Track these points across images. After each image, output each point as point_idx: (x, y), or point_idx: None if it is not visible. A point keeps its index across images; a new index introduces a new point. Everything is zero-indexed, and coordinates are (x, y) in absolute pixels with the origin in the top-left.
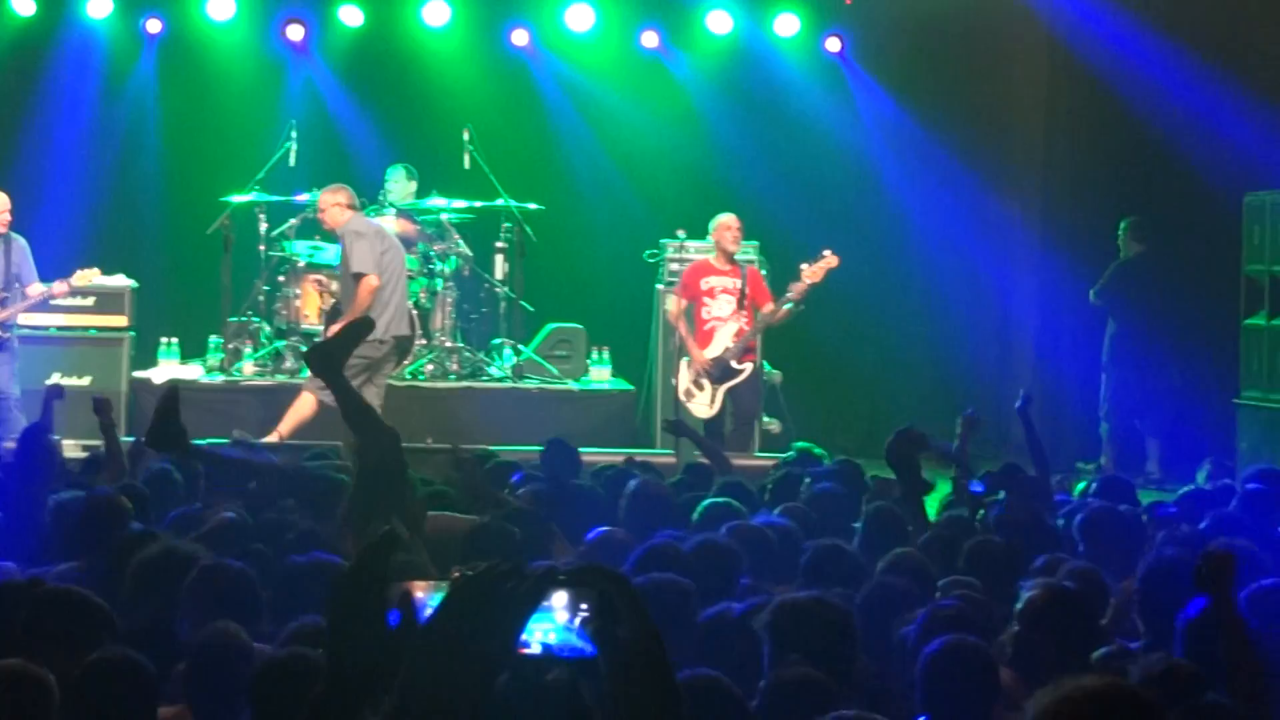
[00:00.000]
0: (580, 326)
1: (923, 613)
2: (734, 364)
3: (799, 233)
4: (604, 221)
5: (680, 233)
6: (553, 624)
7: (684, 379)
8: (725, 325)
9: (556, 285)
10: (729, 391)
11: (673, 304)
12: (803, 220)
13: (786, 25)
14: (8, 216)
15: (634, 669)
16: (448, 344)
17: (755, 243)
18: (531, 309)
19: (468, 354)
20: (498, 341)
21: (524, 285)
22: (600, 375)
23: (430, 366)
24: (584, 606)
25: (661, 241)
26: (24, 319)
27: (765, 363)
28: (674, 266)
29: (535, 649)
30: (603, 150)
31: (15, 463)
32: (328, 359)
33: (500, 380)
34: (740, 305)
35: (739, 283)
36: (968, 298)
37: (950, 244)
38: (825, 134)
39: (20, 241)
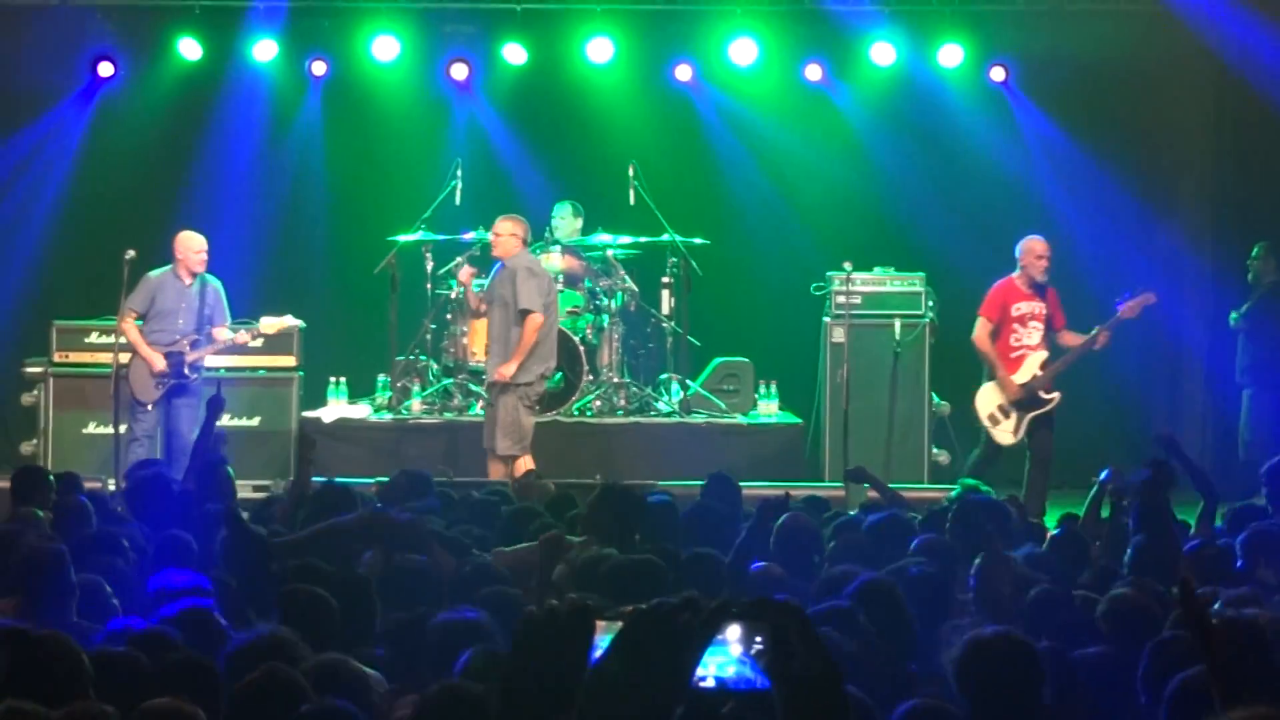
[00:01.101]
0: (747, 360)
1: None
2: (1042, 393)
3: (965, 263)
4: (769, 255)
5: (847, 265)
6: (727, 657)
7: (988, 403)
8: (1034, 353)
9: (723, 319)
10: (1034, 420)
11: (979, 326)
12: (969, 250)
13: (951, 56)
14: (204, 257)
15: (809, 702)
16: (615, 379)
17: (921, 274)
18: (698, 344)
19: (635, 389)
20: (665, 376)
21: (690, 320)
22: (768, 409)
23: (598, 402)
24: (758, 640)
25: (828, 274)
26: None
27: (934, 394)
28: (840, 299)
29: (710, 683)
30: (767, 183)
31: (195, 493)
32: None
33: (668, 415)
34: (1046, 332)
35: (1044, 308)
36: (1137, 326)
37: (1118, 273)
38: (990, 163)
39: (215, 284)
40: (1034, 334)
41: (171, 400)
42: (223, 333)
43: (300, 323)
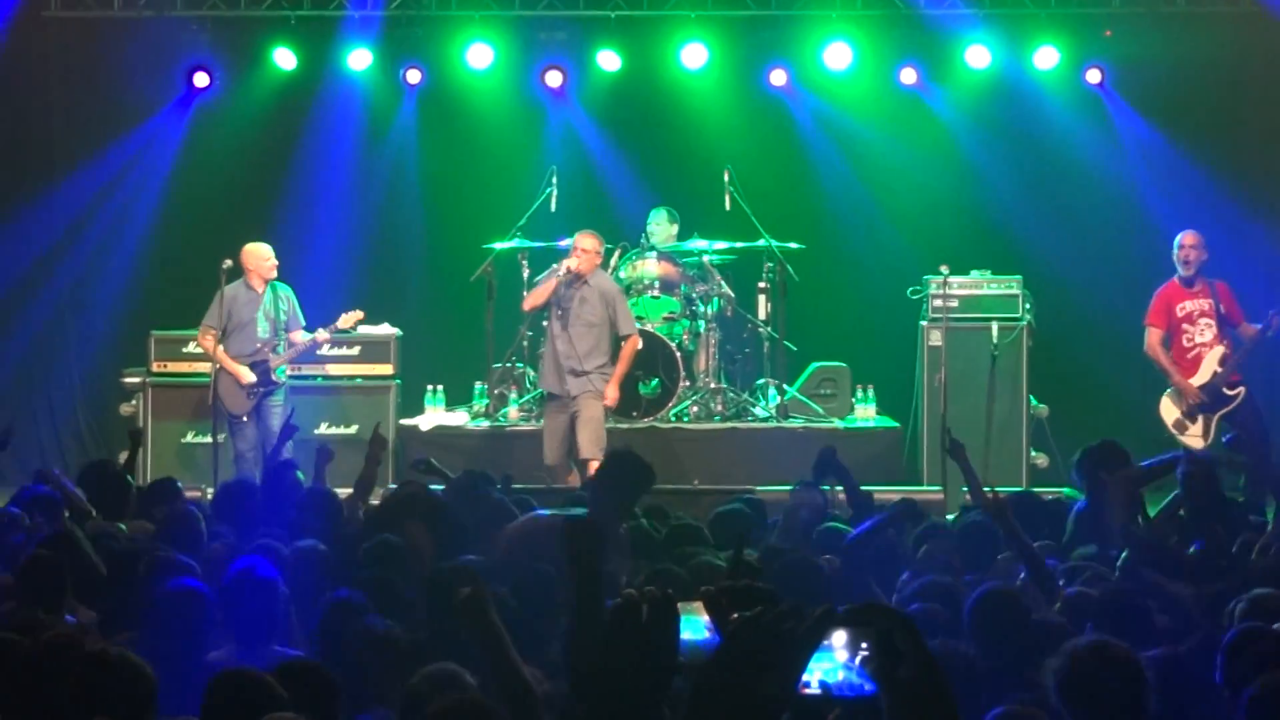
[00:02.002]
0: (844, 365)
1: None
2: (1226, 390)
3: (1062, 265)
4: (866, 259)
5: (944, 268)
6: (833, 663)
7: (1170, 412)
8: (1211, 350)
9: (819, 324)
10: (1225, 418)
11: (1148, 335)
12: (1066, 252)
13: (1046, 58)
14: (274, 263)
15: (916, 708)
16: (712, 385)
17: (1018, 276)
18: (795, 348)
19: (732, 394)
20: (762, 381)
21: (787, 324)
22: (865, 413)
23: (695, 408)
24: (864, 645)
25: (925, 278)
26: (292, 368)
27: (1031, 397)
28: (937, 302)
29: (815, 689)
30: (863, 188)
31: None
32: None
33: (765, 420)
34: (1220, 327)
35: (1213, 302)
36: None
37: (1216, 275)
38: (1087, 166)
39: (285, 290)
40: (1206, 330)
41: (260, 404)
42: (300, 335)
43: (397, 330)
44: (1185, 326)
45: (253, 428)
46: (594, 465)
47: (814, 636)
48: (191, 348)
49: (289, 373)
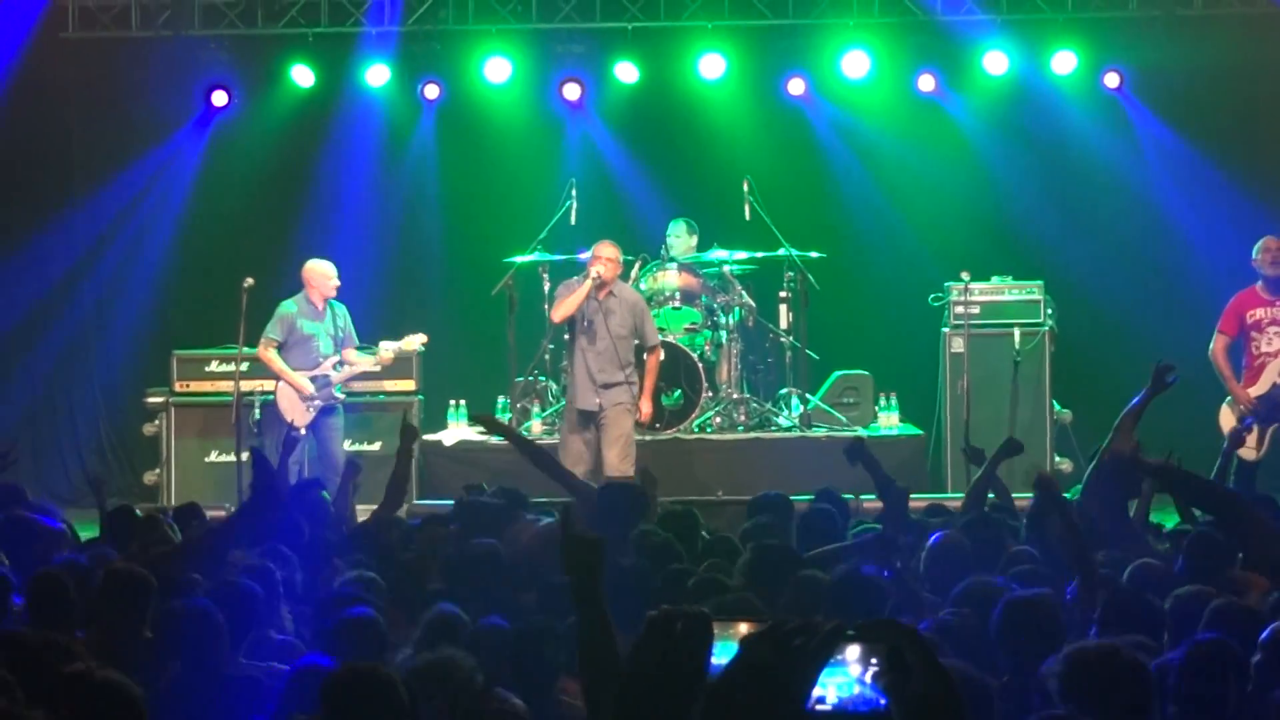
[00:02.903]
0: (867, 373)
1: None
2: None
3: (1083, 269)
4: (886, 267)
5: (964, 275)
6: (847, 678)
7: (1228, 419)
8: (1275, 360)
9: (841, 333)
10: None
11: (1216, 341)
12: (1087, 257)
13: (1064, 63)
14: (337, 283)
15: None
16: (734, 395)
17: (1039, 281)
18: (817, 357)
19: (755, 404)
20: (784, 391)
21: (808, 334)
22: (889, 421)
23: (718, 419)
24: (874, 660)
25: (946, 285)
26: None
27: (1055, 402)
28: (958, 309)
29: (828, 704)
30: (882, 195)
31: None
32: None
33: (788, 430)
34: None
35: None
36: None
37: (1237, 279)
38: (1107, 170)
39: (342, 309)
40: (1275, 340)
41: (319, 422)
42: (352, 354)
43: (423, 338)
44: (1254, 334)
45: (303, 443)
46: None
47: (824, 651)
48: (214, 366)
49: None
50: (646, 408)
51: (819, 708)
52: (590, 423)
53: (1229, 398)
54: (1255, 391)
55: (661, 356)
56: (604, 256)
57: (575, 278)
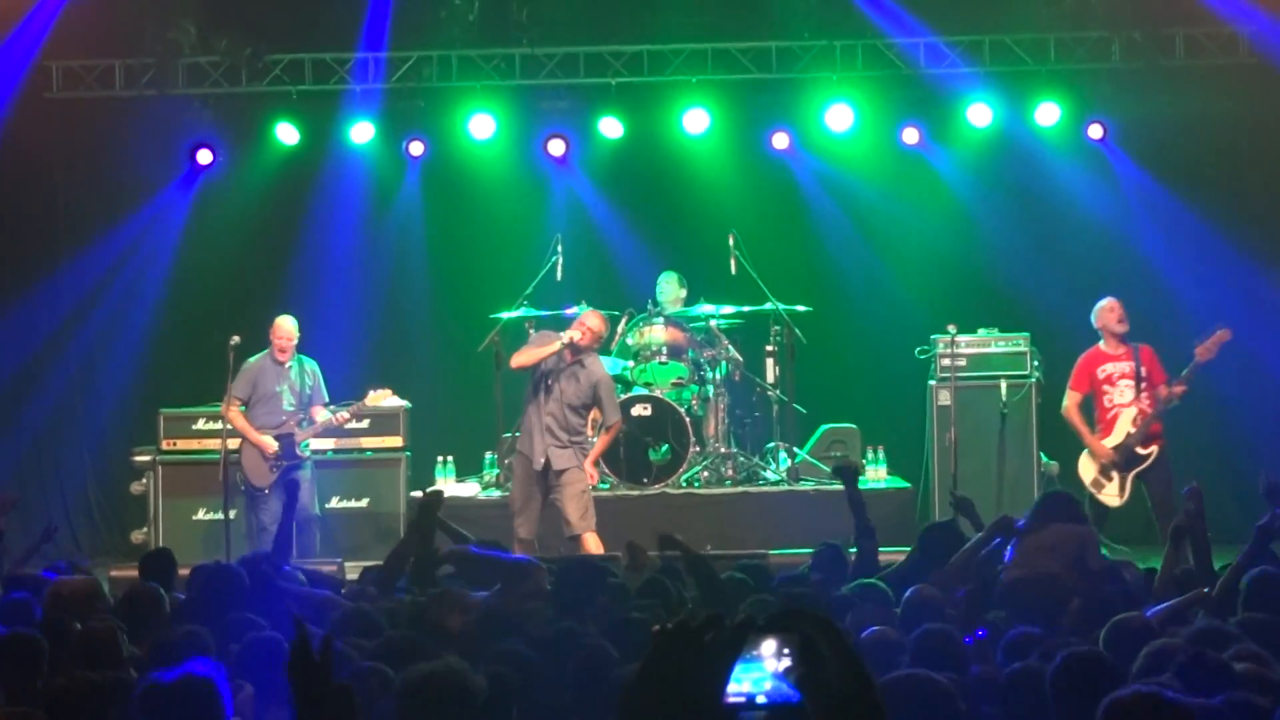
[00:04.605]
0: (854, 426)
1: None
2: (1139, 450)
3: (1069, 321)
4: (872, 320)
5: (951, 328)
6: (761, 672)
7: (1088, 470)
8: (1126, 410)
9: (828, 386)
10: (1138, 477)
11: (1069, 399)
12: (1072, 308)
13: (1047, 114)
14: (294, 339)
15: (841, 712)
16: (722, 449)
17: (1026, 333)
18: (804, 411)
19: (742, 459)
20: (772, 445)
21: (795, 387)
22: (876, 474)
23: (705, 473)
24: (787, 652)
25: (932, 337)
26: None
27: (1042, 454)
28: (945, 362)
29: (741, 698)
30: (868, 249)
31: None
32: None
33: (776, 484)
34: (1139, 388)
35: (1135, 365)
36: (1246, 381)
37: (1224, 323)
38: (1091, 220)
39: (311, 365)
40: (1125, 391)
41: (285, 478)
42: (320, 413)
43: (406, 402)
44: (1106, 388)
45: (275, 501)
46: (587, 540)
47: (734, 645)
48: (201, 425)
49: (312, 447)
50: (591, 470)
51: (730, 701)
52: (538, 476)
53: (1085, 450)
54: (1110, 442)
55: (622, 428)
56: (586, 325)
57: (555, 332)
